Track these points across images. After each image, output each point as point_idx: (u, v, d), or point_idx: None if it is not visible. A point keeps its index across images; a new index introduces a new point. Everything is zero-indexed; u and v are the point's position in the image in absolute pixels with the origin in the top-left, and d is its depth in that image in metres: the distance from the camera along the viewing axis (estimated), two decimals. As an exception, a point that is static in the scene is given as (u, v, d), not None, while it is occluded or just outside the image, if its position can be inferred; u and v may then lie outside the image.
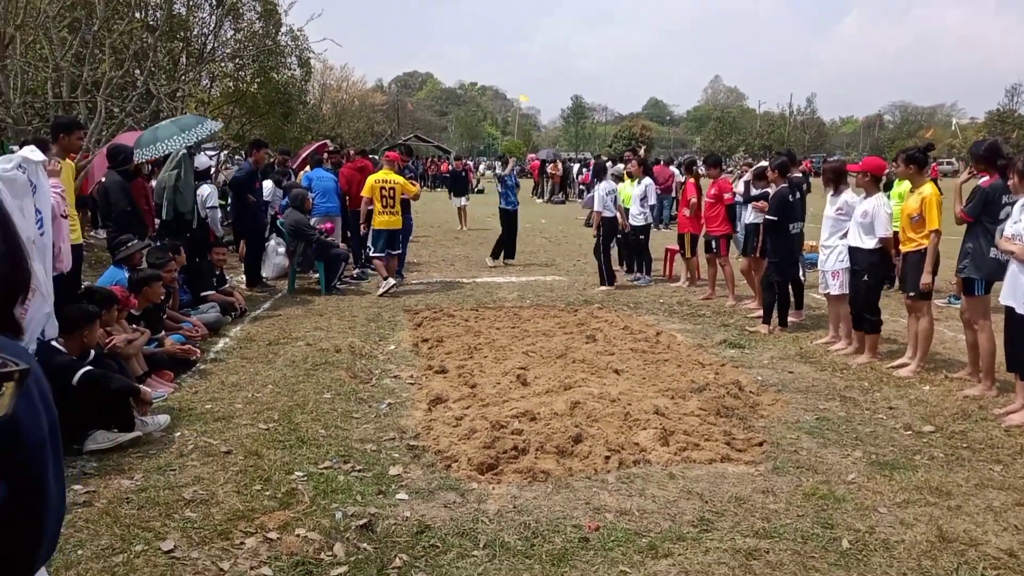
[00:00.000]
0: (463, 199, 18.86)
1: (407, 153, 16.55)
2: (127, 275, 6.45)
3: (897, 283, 7.07)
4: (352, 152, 13.81)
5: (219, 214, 9.70)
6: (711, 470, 4.29)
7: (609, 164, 16.46)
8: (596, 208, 10.73)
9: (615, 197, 10.89)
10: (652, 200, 11.43)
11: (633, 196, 11.21)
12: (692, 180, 10.33)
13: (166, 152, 9.17)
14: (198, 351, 6.41)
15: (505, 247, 12.92)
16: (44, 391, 1.21)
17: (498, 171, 13.27)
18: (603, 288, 10.44)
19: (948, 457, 4.54)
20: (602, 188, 10.68)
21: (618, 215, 10.80)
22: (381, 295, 9.74)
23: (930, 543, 3.46)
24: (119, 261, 6.77)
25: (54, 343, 4.60)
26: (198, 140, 10.51)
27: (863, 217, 6.61)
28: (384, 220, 10.06)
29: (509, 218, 12.87)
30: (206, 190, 9.18)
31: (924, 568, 3.27)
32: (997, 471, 4.33)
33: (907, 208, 6.33)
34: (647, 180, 11.37)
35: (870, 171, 6.74)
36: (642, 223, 11.18)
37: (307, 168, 12.73)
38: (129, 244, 6.88)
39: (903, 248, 6.38)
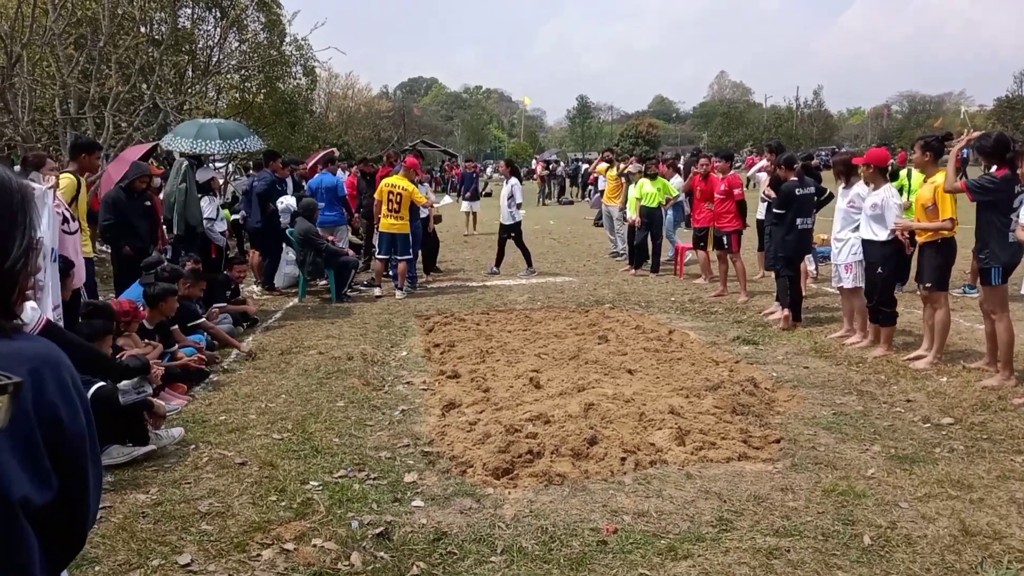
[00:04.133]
0: (475, 204, 18.87)
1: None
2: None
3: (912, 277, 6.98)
4: (387, 157, 13.85)
5: (223, 225, 9.69)
6: (729, 469, 4.25)
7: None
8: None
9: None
10: (519, 199, 11.94)
11: (501, 195, 11.81)
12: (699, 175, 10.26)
13: (199, 151, 9.22)
14: (207, 360, 6.32)
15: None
16: (77, 384, 1.25)
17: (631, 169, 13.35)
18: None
19: (968, 449, 4.48)
20: None
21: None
22: (376, 297, 10.18)
23: (953, 537, 3.41)
24: (145, 283, 6.69)
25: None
26: (229, 151, 10.57)
27: (873, 209, 6.55)
28: (386, 223, 10.17)
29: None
30: (204, 202, 9.20)
31: (948, 563, 3.22)
32: (1019, 462, 4.27)
33: (921, 198, 6.26)
34: (513, 180, 11.95)
35: (873, 163, 6.69)
36: (510, 222, 11.79)
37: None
38: (160, 268, 6.87)
39: (919, 239, 6.31)
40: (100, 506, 3.79)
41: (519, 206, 11.86)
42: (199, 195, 9.12)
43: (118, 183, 7.92)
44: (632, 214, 11.75)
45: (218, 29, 18.25)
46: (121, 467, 4.42)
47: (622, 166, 13.84)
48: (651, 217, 11.49)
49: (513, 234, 11.89)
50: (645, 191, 11.47)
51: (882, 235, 6.50)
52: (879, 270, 6.58)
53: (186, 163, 8.79)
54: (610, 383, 5.81)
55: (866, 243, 6.69)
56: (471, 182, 19.66)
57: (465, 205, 19.03)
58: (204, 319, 7.13)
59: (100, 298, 6.51)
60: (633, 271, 11.72)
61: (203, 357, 6.36)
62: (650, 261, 11.74)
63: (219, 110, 19.04)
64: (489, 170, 49.51)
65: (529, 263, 12.03)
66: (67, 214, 5.95)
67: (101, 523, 3.69)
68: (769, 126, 70.16)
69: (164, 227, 8.63)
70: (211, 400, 5.74)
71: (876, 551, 3.33)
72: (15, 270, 1.19)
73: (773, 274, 8.50)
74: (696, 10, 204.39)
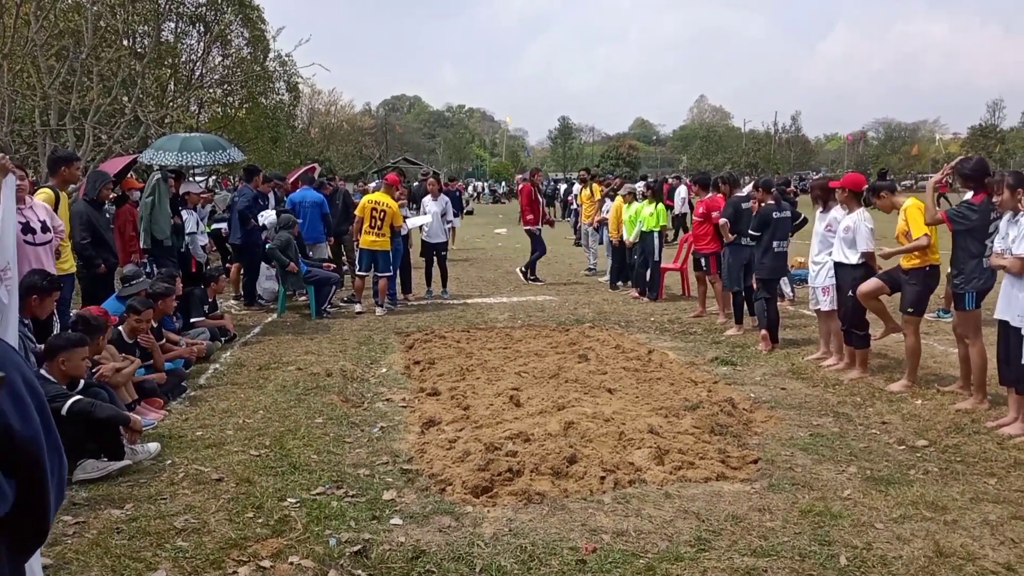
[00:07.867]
0: (456, 220, 18.98)
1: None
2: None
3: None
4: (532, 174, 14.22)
5: (204, 239, 9.63)
6: (707, 488, 4.27)
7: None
8: None
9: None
10: (450, 217, 12.17)
11: (435, 214, 11.66)
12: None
13: (184, 163, 9.19)
14: (192, 350, 6.18)
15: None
16: (28, 378, 1.20)
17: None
18: None
19: (942, 471, 4.54)
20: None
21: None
22: (357, 313, 10.20)
23: (927, 558, 3.45)
24: (123, 297, 6.64)
25: (42, 371, 4.56)
26: (215, 163, 10.59)
27: (845, 232, 6.66)
28: (367, 240, 10.17)
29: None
30: (184, 215, 9.13)
31: (923, 584, 3.25)
32: (992, 484, 4.33)
33: (898, 231, 6.36)
34: (444, 198, 12.00)
35: (848, 187, 6.80)
36: (442, 240, 11.81)
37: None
38: (135, 282, 6.82)
39: (903, 265, 6.38)
40: (74, 520, 3.75)
41: (448, 223, 12.18)
42: (180, 208, 9.07)
43: (83, 196, 7.81)
44: (629, 236, 11.40)
45: (202, 43, 18.24)
46: (96, 482, 4.36)
47: (618, 183, 13.77)
48: (647, 242, 11.09)
49: (443, 252, 11.88)
50: (645, 214, 11.07)
51: (853, 258, 6.60)
52: (850, 293, 6.67)
53: (158, 176, 8.73)
54: (590, 402, 5.83)
55: (838, 266, 6.78)
56: (454, 200, 19.76)
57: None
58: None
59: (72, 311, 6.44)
60: (636, 294, 11.32)
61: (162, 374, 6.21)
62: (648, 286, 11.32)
63: (201, 124, 18.97)
64: (470, 188, 49.69)
65: (429, 284, 11.89)
66: (36, 223, 5.63)
67: (75, 538, 3.64)
68: (747, 150, 70.97)
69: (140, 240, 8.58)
70: (188, 415, 5.68)
71: (852, 571, 3.36)
72: None
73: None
74: (678, 35, 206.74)
